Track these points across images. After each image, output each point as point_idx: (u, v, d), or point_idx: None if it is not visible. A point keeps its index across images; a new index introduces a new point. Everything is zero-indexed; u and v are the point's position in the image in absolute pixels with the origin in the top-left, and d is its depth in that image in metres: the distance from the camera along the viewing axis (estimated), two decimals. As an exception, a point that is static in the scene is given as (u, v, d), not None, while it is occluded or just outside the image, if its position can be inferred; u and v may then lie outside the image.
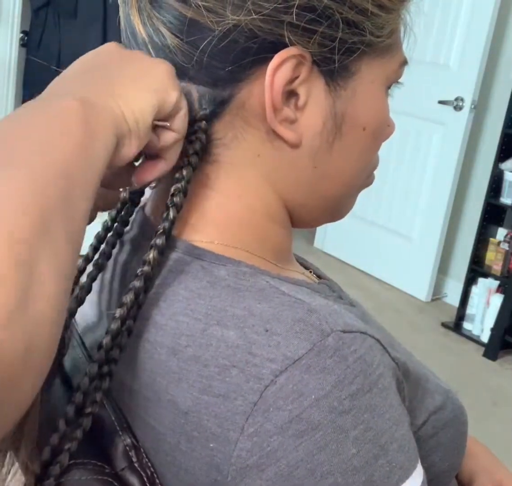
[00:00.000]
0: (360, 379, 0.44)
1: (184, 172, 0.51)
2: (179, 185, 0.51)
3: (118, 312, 0.49)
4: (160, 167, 0.51)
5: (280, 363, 0.44)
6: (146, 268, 0.49)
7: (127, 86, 0.46)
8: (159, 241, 0.50)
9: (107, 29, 2.97)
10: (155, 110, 0.47)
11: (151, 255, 0.49)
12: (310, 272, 0.65)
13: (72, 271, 0.39)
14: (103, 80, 0.46)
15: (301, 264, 0.65)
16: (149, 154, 0.51)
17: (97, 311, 0.58)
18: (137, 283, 0.49)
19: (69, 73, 0.48)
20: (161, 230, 0.50)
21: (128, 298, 0.49)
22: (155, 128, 0.49)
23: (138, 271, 0.50)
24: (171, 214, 0.50)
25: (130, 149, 0.46)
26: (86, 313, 0.59)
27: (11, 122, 0.41)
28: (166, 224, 0.50)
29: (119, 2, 0.53)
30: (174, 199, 0.51)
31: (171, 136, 0.50)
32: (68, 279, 0.39)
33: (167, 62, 0.49)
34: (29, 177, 0.37)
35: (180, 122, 0.50)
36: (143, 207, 0.60)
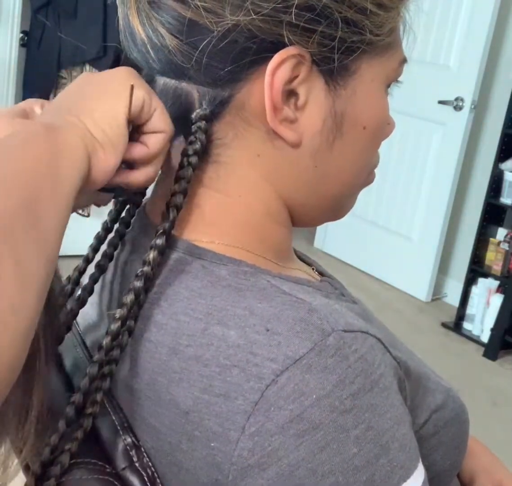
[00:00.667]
0: (361, 379, 0.44)
1: (184, 173, 0.51)
2: (179, 185, 0.51)
3: (118, 313, 0.49)
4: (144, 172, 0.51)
5: (281, 362, 0.44)
6: (146, 268, 0.50)
7: (88, 101, 0.47)
8: (159, 241, 0.50)
9: (107, 29, 2.97)
10: (125, 113, 0.47)
11: (151, 255, 0.50)
12: (312, 269, 0.65)
13: (43, 280, 0.40)
14: (66, 105, 0.48)
15: (303, 261, 0.65)
16: (142, 162, 0.50)
17: (98, 311, 0.58)
18: (137, 284, 0.49)
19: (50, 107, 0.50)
20: (161, 231, 0.50)
21: (129, 298, 0.49)
22: (139, 136, 0.49)
23: (138, 271, 0.50)
24: (171, 214, 0.51)
25: (108, 159, 0.46)
26: (87, 313, 0.59)
27: None
28: (166, 225, 0.50)
29: (117, 3, 0.53)
30: (174, 199, 0.51)
31: (159, 138, 0.50)
32: (37, 287, 0.39)
33: (126, 67, 0.50)
34: None
35: (160, 120, 0.50)
36: (143, 207, 0.60)
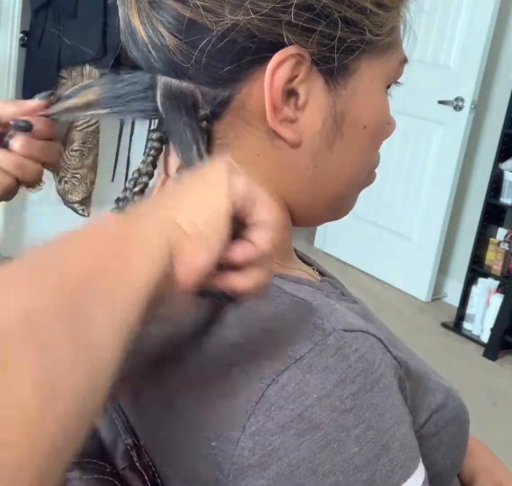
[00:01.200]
0: (362, 378, 0.44)
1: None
2: None
3: None
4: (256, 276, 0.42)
5: (282, 362, 0.44)
6: None
7: (179, 193, 0.41)
8: None
9: (107, 29, 2.97)
10: (225, 207, 0.40)
11: None
12: (313, 269, 0.65)
13: (80, 398, 0.31)
14: (157, 199, 0.42)
15: (303, 261, 0.65)
16: (250, 263, 0.42)
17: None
18: None
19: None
20: None
21: None
22: (241, 231, 0.41)
23: None
24: None
25: (197, 255, 0.38)
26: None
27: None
28: None
29: (118, 3, 0.53)
30: None
31: (266, 231, 0.42)
32: (72, 406, 0.30)
33: (221, 158, 0.44)
34: (28, 274, 0.33)
35: (263, 209, 0.42)
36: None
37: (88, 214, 3.18)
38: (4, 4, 2.90)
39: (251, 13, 0.47)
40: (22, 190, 0.59)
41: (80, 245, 0.36)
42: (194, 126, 0.51)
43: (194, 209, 0.39)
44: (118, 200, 0.59)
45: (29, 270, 0.33)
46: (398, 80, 0.57)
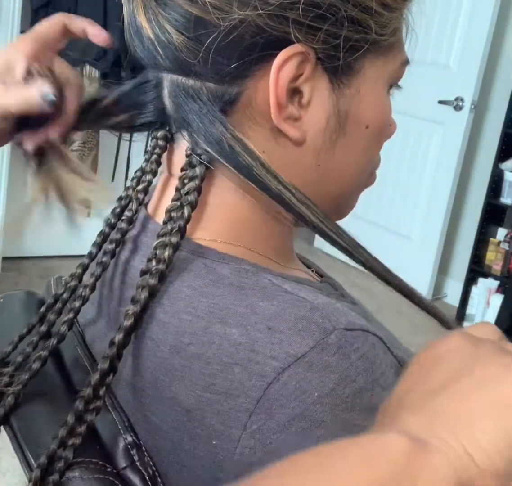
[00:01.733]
0: (363, 377, 0.44)
1: (198, 171, 0.51)
2: (193, 183, 0.51)
3: (132, 309, 0.49)
4: None
5: (283, 360, 0.44)
6: (161, 266, 0.49)
7: (466, 409, 0.35)
8: (174, 239, 0.50)
9: (107, 29, 2.97)
10: None
11: (167, 253, 0.50)
12: (312, 271, 0.65)
13: None
14: (443, 406, 0.36)
15: (303, 263, 0.65)
16: None
17: (96, 308, 0.58)
18: (152, 281, 0.49)
19: (408, 381, 0.40)
20: (176, 229, 0.50)
21: (143, 295, 0.49)
22: None
23: (153, 269, 0.50)
24: (186, 212, 0.51)
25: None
26: (85, 309, 0.59)
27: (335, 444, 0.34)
28: (181, 223, 0.50)
29: (123, 1, 0.53)
30: (189, 197, 0.51)
31: None
32: None
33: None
34: None
35: None
36: (145, 205, 0.59)
37: (88, 214, 3.18)
38: (4, 4, 2.90)
39: (259, 9, 0.47)
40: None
41: (356, 467, 0.32)
42: (217, 114, 0.50)
43: (488, 440, 0.34)
44: (120, 199, 0.59)
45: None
46: (398, 83, 0.57)
